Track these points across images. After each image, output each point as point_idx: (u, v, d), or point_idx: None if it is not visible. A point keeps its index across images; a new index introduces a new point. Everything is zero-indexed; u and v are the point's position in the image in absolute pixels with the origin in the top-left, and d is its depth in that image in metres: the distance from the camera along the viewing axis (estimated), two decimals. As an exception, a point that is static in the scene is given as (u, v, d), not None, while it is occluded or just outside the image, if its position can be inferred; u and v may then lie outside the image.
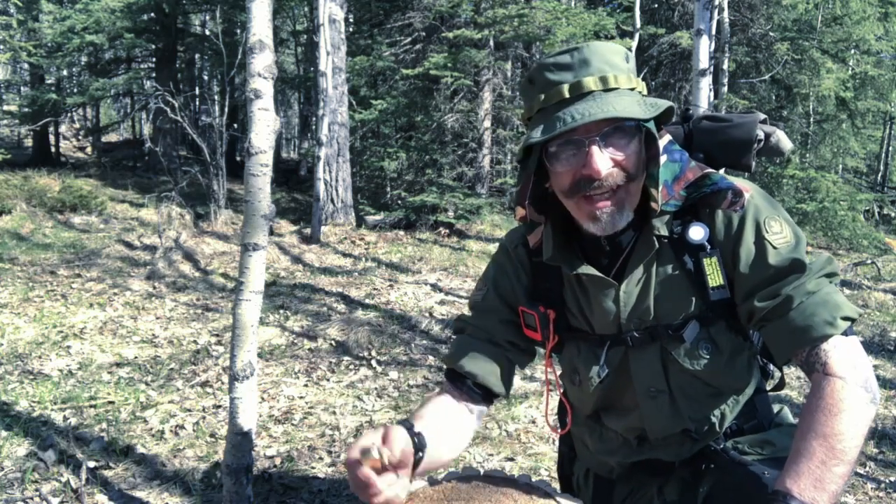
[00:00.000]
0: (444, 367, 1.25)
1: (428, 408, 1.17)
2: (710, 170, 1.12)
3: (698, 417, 1.19)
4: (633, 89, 1.03)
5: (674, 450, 1.22)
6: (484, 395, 1.21)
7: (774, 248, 1.05)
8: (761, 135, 1.22)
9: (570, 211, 1.10)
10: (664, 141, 1.13)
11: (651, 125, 1.04)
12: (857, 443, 0.94)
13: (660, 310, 1.13)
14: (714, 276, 1.08)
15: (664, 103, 1.02)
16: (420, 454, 1.02)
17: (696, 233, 1.08)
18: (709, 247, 1.08)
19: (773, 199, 1.12)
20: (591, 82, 0.99)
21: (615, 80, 1.00)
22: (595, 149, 1.00)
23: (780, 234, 1.06)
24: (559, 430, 1.37)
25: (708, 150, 1.22)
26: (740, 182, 1.10)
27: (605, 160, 1.00)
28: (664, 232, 1.10)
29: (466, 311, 1.30)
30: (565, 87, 1.00)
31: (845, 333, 1.00)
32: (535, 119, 1.06)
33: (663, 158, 1.10)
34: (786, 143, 1.26)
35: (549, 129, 0.99)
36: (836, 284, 1.06)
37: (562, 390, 1.35)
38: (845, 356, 0.99)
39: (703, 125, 1.24)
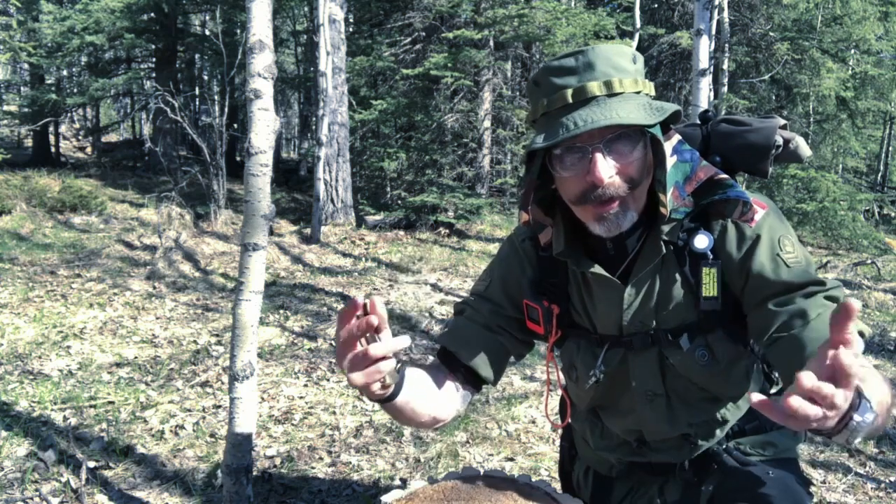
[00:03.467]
0: (437, 345, 1.25)
1: (415, 367, 1.16)
2: (724, 175, 1.10)
3: (697, 422, 1.19)
4: (639, 92, 1.01)
5: (673, 453, 1.22)
6: (472, 378, 1.21)
7: (788, 266, 1.05)
8: (780, 140, 1.20)
9: (576, 214, 1.10)
10: (673, 141, 1.12)
11: (657, 130, 1.03)
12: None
13: (660, 315, 1.13)
14: (709, 286, 1.07)
15: (670, 107, 1.00)
16: (399, 373, 1.00)
17: (701, 241, 1.07)
18: (711, 257, 1.08)
19: (785, 220, 1.12)
20: (595, 87, 0.98)
21: (620, 84, 0.98)
22: (599, 156, 0.99)
23: (793, 254, 1.06)
24: (559, 424, 1.37)
25: (725, 153, 1.21)
26: (758, 198, 1.09)
27: (608, 168, 0.99)
28: (671, 238, 1.09)
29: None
30: (569, 92, 0.99)
31: None
32: (540, 123, 1.05)
33: (673, 159, 1.09)
34: (805, 150, 1.24)
35: (552, 135, 0.98)
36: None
37: (563, 385, 1.36)
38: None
39: (721, 128, 1.23)
